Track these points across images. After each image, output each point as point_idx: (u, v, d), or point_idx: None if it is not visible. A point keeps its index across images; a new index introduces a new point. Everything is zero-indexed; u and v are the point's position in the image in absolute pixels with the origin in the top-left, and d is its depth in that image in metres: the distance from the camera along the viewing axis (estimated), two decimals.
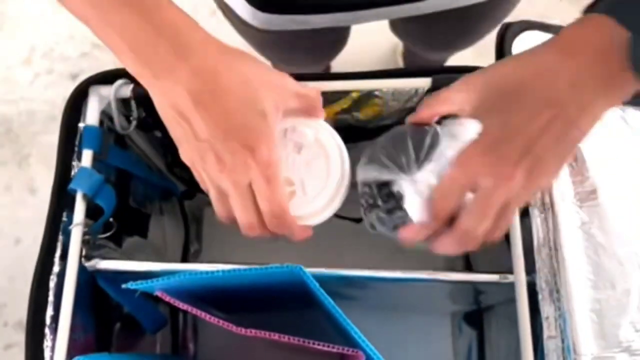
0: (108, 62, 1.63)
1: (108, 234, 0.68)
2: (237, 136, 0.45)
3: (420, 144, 0.58)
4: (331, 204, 0.60)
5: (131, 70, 0.47)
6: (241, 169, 0.46)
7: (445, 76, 0.65)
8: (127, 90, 0.66)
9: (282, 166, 0.53)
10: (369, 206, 0.61)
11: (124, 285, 0.55)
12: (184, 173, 0.94)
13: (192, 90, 0.44)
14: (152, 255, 0.84)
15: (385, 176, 0.58)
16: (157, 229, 0.87)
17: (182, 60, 0.44)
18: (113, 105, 0.67)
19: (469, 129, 0.52)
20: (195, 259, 1.06)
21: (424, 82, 0.66)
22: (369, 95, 0.70)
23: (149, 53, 0.44)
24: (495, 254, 0.84)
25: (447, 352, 1.04)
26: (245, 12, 0.74)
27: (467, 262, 0.97)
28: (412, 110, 0.71)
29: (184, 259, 1.00)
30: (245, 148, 0.46)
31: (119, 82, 0.66)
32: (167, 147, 0.83)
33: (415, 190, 0.56)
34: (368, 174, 0.59)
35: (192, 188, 0.98)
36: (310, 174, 0.59)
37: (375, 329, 1.04)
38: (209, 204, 1.02)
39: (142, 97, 0.67)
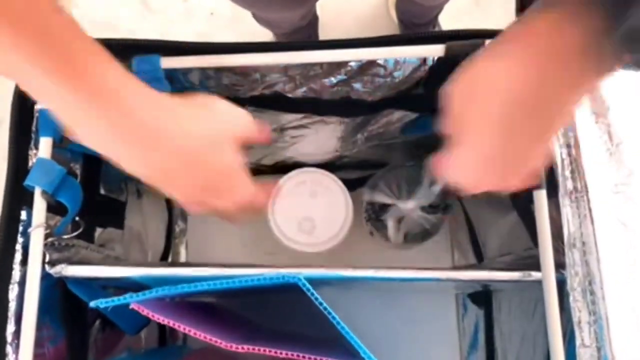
0: (81, 19, 1.53)
1: (75, 233, 0.59)
2: (219, 184, 0.51)
3: (411, 181, 0.83)
4: (342, 230, 0.82)
5: None
6: (228, 197, 0.53)
7: (459, 42, 0.56)
8: None
9: (303, 208, 0.82)
10: (370, 218, 0.91)
11: (92, 304, 0.47)
12: None
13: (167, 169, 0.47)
14: (131, 243, 0.76)
15: (387, 201, 0.85)
16: (135, 214, 0.78)
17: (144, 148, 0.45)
18: None
19: None
20: (182, 238, 0.98)
21: (436, 50, 0.56)
22: (369, 64, 0.61)
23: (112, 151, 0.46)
24: (505, 238, 0.77)
25: (452, 331, 0.98)
26: None
27: (476, 247, 0.89)
28: (419, 81, 0.63)
29: (168, 240, 0.92)
30: (227, 185, 0.52)
31: None
32: None
33: (397, 216, 0.86)
34: (374, 196, 0.86)
35: None
36: (325, 212, 0.82)
37: (378, 310, 0.99)
38: None
39: None
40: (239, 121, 0.53)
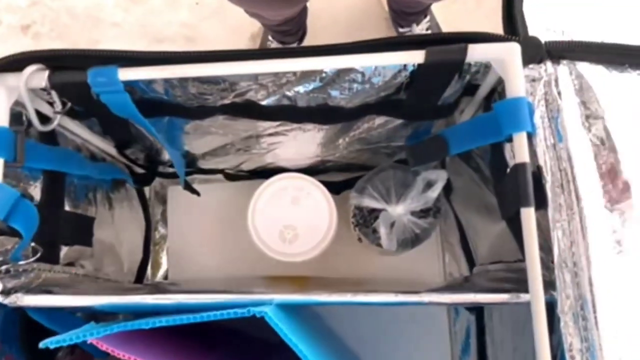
0: (61, 11, 1.47)
1: (33, 259, 0.55)
2: None
3: (401, 184, 0.83)
4: (326, 238, 0.80)
5: None
6: None
7: (440, 48, 0.51)
8: (41, 79, 0.53)
9: (284, 216, 0.80)
10: (358, 224, 0.88)
11: (41, 345, 0.44)
12: (139, 154, 0.81)
13: None
14: (103, 257, 0.73)
15: (375, 205, 0.82)
16: (106, 226, 0.74)
17: None
18: (25, 98, 0.53)
19: (440, 176, 0.79)
20: (162, 244, 0.95)
21: (415, 56, 0.52)
22: (346, 70, 0.57)
23: None
24: (494, 244, 0.73)
25: (444, 335, 0.95)
26: None
27: (467, 252, 0.85)
28: (400, 87, 0.59)
29: (146, 249, 0.89)
30: None
31: (30, 68, 0.52)
32: (111, 132, 0.70)
33: (388, 222, 0.82)
34: (362, 201, 0.83)
35: (150, 171, 0.85)
36: (307, 220, 0.80)
37: (368, 315, 0.95)
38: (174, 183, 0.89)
39: (63, 86, 0.53)
40: None
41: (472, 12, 1.35)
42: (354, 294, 0.51)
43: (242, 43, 1.34)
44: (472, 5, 1.36)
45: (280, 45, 1.22)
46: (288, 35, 1.19)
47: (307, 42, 1.30)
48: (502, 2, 0.56)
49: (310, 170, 0.84)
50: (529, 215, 0.49)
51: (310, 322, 0.69)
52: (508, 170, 0.56)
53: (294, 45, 1.25)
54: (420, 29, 1.28)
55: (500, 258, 0.70)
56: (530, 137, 0.51)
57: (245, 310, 0.43)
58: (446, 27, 1.30)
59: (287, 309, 0.51)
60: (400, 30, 1.30)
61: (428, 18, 1.29)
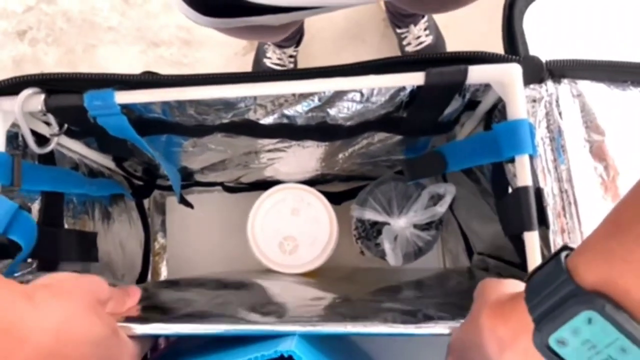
0: (57, 16, 1.46)
1: (27, 270, 0.55)
2: None
3: (402, 196, 0.83)
4: (327, 249, 0.80)
5: None
6: None
7: (439, 70, 0.50)
8: (37, 103, 0.52)
9: (284, 227, 0.81)
10: (360, 237, 0.87)
11: None
12: (137, 167, 0.81)
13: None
14: (101, 271, 0.72)
15: (377, 218, 0.81)
16: (105, 240, 0.74)
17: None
18: (21, 122, 0.53)
19: (448, 190, 0.78)
20: (162, 255, 0.94)
21: (415, 78, 0.51)
22: (345, 90, 0.56)
23: None
24: (497, 241, 0.73)
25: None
26: (190, 14, 0.61)
27: (467, 246, 0.85)
28: (400, 105, 0.58)
29: (146, 259, 0.88)
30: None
31: (26, 92, 0.51)
32: (108, 149, 0.70)
33: (392, 237, 0.81)
34: (364, 214, 0.82)
35: (148, 183, 0.85)
36: (307, 231, 0.80)
37: None
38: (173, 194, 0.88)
39: (59, 109, 0.53)
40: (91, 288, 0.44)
41: (470, 11, 1.34)
42: (367, 324, 0.49)
43: (240, 45, 1.33)
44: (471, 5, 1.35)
45: (277, 49, 1.21)
46: (286, 40, 1.18)
47: (305, 44, 1.29)
48: (502, 21, 0.56)
49: (310, 181, 0.84)
50: (532, 239, 0.48)
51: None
52: (509, 188, 0.56)
53: (292, 47, 1.24)
54: (419, 29, 1.27)
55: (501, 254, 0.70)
56: (532, 158, 0.51)
57: (272, 351, 0.43)
58: (445, 26, 1.29)
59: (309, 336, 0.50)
60: (398, 31, 1.29)
61: (426, 18, 1.28)
